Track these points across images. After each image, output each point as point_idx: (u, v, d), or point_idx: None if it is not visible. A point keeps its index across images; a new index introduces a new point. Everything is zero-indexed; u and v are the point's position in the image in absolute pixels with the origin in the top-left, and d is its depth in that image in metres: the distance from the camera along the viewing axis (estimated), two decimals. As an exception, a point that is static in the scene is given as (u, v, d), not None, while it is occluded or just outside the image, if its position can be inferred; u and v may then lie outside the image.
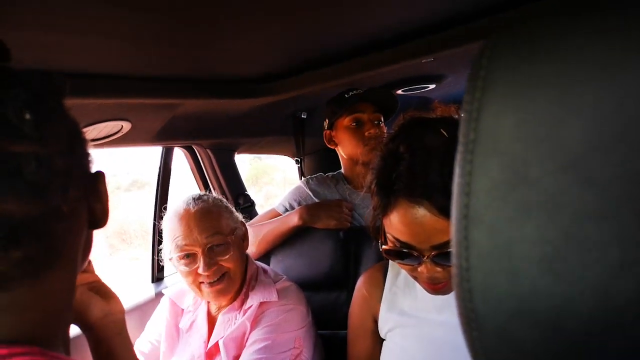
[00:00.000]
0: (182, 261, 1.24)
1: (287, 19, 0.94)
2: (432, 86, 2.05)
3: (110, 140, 1.43)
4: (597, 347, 0.26)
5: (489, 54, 0.30)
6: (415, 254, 0.85)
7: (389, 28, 1.14)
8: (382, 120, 1.69)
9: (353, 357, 1.13)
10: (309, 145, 2.17)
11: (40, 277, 0.47)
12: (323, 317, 1.48)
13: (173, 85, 1.28)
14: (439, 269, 0.85)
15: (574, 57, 0.27)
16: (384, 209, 0.88)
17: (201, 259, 1.22)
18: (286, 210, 1.73)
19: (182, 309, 1.38)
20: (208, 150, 2.03)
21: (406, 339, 1.01)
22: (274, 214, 1.74)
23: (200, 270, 1.22)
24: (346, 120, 1.66)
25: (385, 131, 1.64)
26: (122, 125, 1.37)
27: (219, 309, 1.32)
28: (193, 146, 2.03)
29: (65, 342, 0.54)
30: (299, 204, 1.71)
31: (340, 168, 1.79)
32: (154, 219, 1.86)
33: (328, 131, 1.74)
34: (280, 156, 2.54)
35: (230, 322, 1.27)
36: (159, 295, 1.69)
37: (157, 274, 1.90)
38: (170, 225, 1.26)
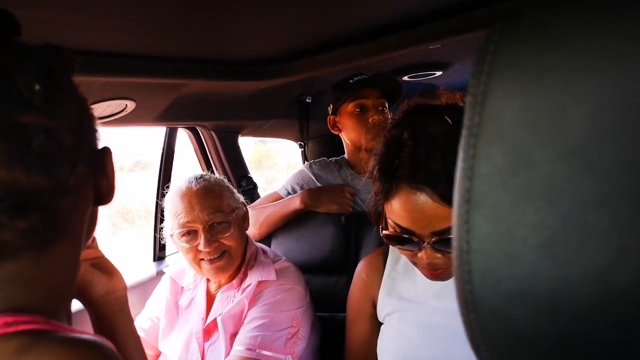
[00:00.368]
0: (183, 238, 1.25)
1: (295, 1, 0.93)
2: (438, 73, 2.04)
3: (115, 119, 1.43)
4: (593, 330, 0.27)
5: (497, 39, 0.30)
6: (416, 239, 0.86)
7: (397, 12, 1.13)
8: (387, 106, 1.68)
9: (351, 340, 1.14)
10: (313, 129, 2.16)
11: (44, 251, 0.48)
12: (322, 299, 1.49)
13: (179, 65, 1.27)
14: (438, 255, 0.86)
15: (581, 45, 0.27)
16: (386, 195, 0.88)
17: (202, 236, 1.23)
18: (288, 193, 1.73)
19: (182, 287, 1.40)
20: (212, 132, 2.03)
21: (404, 324, 1.02)
22: (276, 197, 1.75)
23: (200, 247, 1.23)
24: (350, 106, 1.65)
25: (389, 117, 1.64)
26: (126, 104, 1.37)
27: (218, 287, 1.34)
28: (197, 127, 2.02)
29: (68, 316, 0.55)
30: (302, 187, 1.72)
31: (344, 153, 1.79)
32: (157, 199, 1.87)
33: (332, 116, 1.74)
34: (284, 141, 2.54)
35: (229, 300, 1.29)
36: (160, 273, 1.70)
37: (159, 253, 1.92)
38: (172, 202, 1.27)
